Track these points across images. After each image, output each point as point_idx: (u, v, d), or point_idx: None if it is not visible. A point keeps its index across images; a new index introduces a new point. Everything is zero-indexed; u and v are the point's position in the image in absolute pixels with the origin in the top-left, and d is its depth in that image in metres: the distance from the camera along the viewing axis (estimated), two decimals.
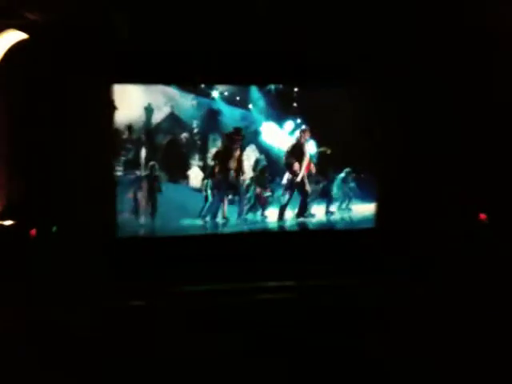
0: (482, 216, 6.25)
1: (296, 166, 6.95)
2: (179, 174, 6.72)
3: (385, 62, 6.31)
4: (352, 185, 6.98)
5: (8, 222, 5.76)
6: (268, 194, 6.94)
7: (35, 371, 3.68)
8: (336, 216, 7.01)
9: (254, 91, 6.74)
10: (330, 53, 6.15)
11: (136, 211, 6.49)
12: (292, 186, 6.96)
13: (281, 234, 6.89)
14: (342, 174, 6.98)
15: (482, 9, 5.37)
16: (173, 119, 6.59)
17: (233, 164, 6.78)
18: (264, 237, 6.78)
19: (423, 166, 6.55)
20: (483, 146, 6.35)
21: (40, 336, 4.19)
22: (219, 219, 6.76)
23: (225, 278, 5.57)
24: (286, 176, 6.97)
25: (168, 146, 6.62)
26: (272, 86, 6.68)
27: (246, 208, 6.87)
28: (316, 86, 6.72)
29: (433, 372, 3.70)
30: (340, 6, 5.32)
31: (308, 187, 6.98)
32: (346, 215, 7.04)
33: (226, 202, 6.81)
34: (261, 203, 6.90)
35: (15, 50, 5.74)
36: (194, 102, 6.60)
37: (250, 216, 6.87)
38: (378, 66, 6.34)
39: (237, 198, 6.86)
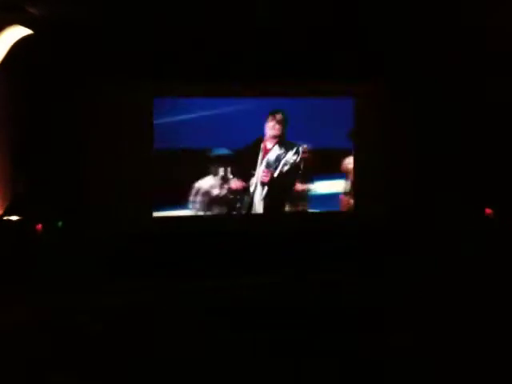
0: (488, 211, 6.19)
1: None
2: None
3: (389, 61, 6.25)
4: None
5: (14, 218, 5.81)
6: None
7: (38, 367, 3.71)
8: None
9: None
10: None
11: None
12: None
13: (280, 232, 6.89)
14: None
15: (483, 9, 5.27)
16: None
17: None
18: (262, 234, 6.80)
19: (426, 164, 6.52)
20: (488, 141, 6.28)
21: (44, 332, 4.23)
22: None
23: (221, 275, 5.62)
24: None
25: None
26: None
27: None
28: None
29: (433, 372, 3.70)
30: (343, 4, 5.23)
31: None
32: None
33: None
34: None
35: (19, 46, 5.72)
36: None
37: None
38: (381, 65, 6.28)
39: None
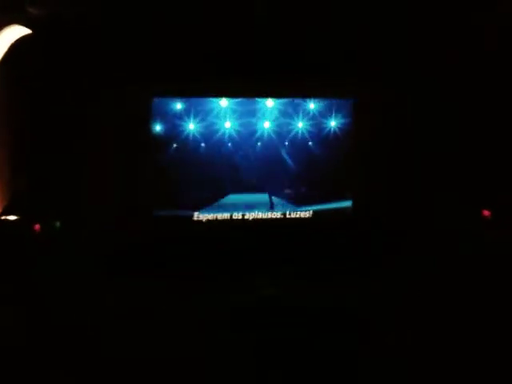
0: (486, 212, 6.20)
1: None
2: None
3: (387, 61, 6.26)
4: None
5: (12, 217, 5.78)
6: None
7: (35, 371, 3.71)
8: None
9: None
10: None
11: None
12: None
13: (278, 231, 6.91)
14: None
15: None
16: None
17: None
18: (259, 232, 6.82)
19: (424, 163, 6.53)
20: (487, 141, 6.29)
21: (42, 334, 4.23)
22: None
23: (221, 275, 5.64)
24: None
25: None
26: None
27: None
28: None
29: (433, 372, 3.71)
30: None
31: None
32: None
33: None
34: None
35: (17, 46, 5.70)
36: None
37: None
38: (379, 65, 6.30)
39: None
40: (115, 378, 3.69)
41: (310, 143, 7.02)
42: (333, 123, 6.96)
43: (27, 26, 5.70)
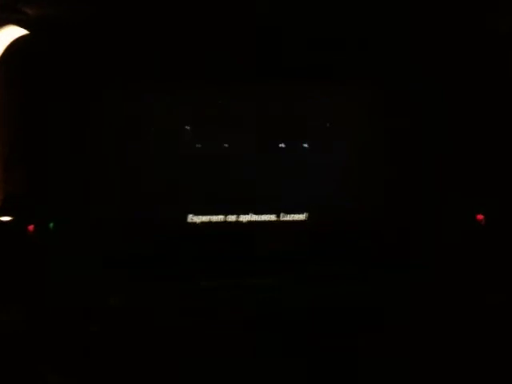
0: (480, 217, 6.26)
1: None
2: None
3: (388, 61, 6.33)
4: None
5: (6, 218, 5.73)
6: None
7: (33, 370, 3.66)
8: None
9: None
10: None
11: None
12: None
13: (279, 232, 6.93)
14: None
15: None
16: None
17: None
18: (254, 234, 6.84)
19: (423, 167, 6.58)
20: (482, 147, 6.37)
21: (38, 333, 4.18)
22: None
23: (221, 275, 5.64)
24: None
25: None
26: None
27: None
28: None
29: (432, 372, 3.73)
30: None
31: None
32: None
33: None
34: None
35: (15, 45, 5.68)
36: None
37: None
38: (380, 63, 6.37)
39: None
40: (115, 377, 3.66)
41: (307, 145, 7.10)
42: (333, 125, 7.07)
43: (24, 27, 5.70)
